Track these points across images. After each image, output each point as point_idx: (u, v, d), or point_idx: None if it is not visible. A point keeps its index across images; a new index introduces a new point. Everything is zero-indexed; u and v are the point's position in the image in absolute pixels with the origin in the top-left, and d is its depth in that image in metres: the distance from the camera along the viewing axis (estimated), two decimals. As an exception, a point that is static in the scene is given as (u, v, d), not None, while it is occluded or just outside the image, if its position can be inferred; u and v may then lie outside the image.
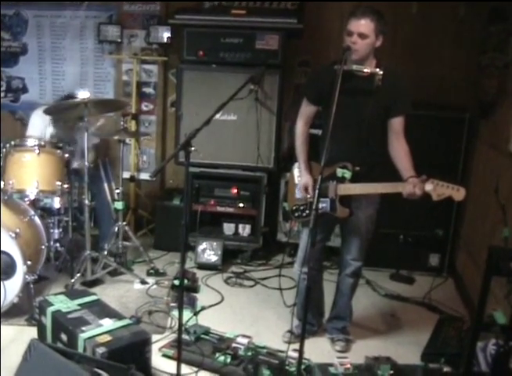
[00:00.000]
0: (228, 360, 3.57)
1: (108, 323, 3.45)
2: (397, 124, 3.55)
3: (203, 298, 4.58)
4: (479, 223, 4.69)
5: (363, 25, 3.36)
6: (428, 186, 3.26)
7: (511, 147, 4.00)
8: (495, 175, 4.28)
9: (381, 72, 3.44)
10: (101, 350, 3.13)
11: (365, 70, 3.45)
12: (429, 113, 4.95)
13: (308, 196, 3.69)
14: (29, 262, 4.01)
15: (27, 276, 3.99)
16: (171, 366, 3.48)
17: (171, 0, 5.69)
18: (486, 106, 4.83)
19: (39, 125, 5.07)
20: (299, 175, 3.82)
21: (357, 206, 3.66)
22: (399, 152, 3.54)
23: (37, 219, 4.41)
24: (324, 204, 3.60)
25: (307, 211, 3.76)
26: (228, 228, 5.51)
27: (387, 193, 3.49)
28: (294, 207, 3.88)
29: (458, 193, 3.22)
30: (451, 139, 5.03)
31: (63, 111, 4.67)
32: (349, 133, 3.55)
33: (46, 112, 4.64)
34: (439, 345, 3.93)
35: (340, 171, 3.58)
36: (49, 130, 5.06)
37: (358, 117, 3.50)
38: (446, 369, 3.65)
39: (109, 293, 4.57)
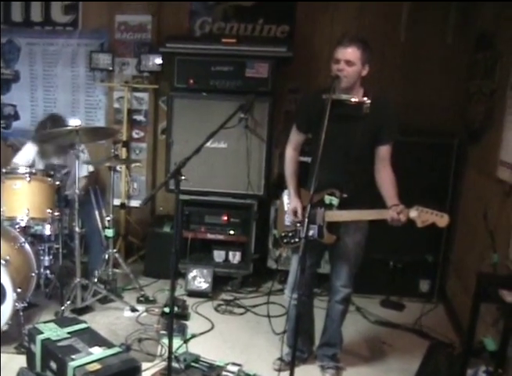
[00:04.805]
0: (219, 388, 3.56)
1: (98, 352, 3.44)
2: (384, 151, 3.58)
3: (193, 325, 4.57)
4: (468, 249, 4.71)
5: (350, 53, 3.41)
6: (413, 213, 3.27)
7: (499, 173, 4.04)
8: (484, 200, 4.31)
9: (369, 101, 3.47)
10: (90, 379, 3.13)
11: (353, 100, 3.49)
12: (418, 139, 5.00)
13: (297, 220, 3.70)
14: (19, 290, 4.01)
15: (16, 304, 3.98)
16: (160, 394, 3.46)
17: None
18: (474, 132, 4.88)
19: (27, 155, 5.07)
20: (288, 201, 3.83)
21: (345, 232, 3.67)
22: (385, 180, 3.56)
23: (27, 246, 4.39)
24: (312, 231, 3.60)
25: (295, 239, 3.78)
26: (219, 255, 5.51)
27: (376, 220, 3.51)
28: (283, 234, 3.89)
29: (442, 220, 3.23)
30: (440, 165, 5.07)
31: (54, 139, 4.68)
32: (337, 160, 3.55)
33: (35, 140, 4.64)
34: (430, 372, 3.91)
35: (327, 198, 3.58)
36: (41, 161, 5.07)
37: (347, 144, 3.52)
38: (437, 396, 3.64)
39: (99, 320, 4.55)
